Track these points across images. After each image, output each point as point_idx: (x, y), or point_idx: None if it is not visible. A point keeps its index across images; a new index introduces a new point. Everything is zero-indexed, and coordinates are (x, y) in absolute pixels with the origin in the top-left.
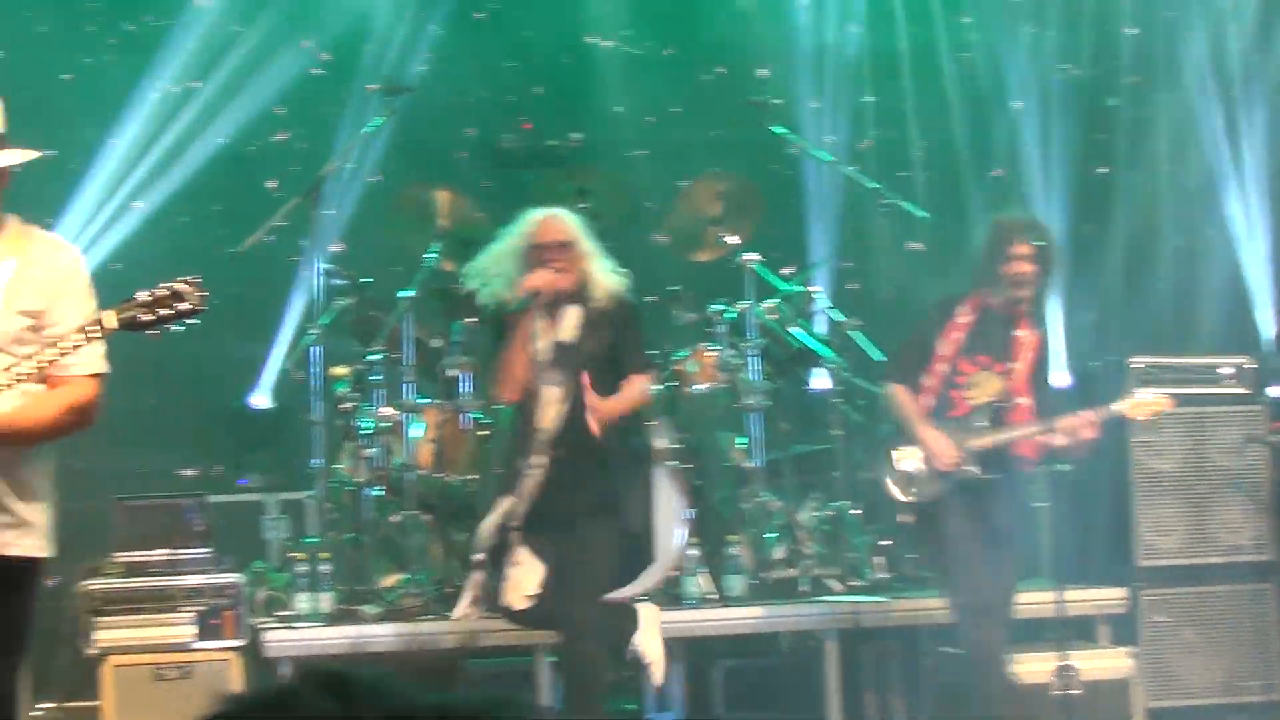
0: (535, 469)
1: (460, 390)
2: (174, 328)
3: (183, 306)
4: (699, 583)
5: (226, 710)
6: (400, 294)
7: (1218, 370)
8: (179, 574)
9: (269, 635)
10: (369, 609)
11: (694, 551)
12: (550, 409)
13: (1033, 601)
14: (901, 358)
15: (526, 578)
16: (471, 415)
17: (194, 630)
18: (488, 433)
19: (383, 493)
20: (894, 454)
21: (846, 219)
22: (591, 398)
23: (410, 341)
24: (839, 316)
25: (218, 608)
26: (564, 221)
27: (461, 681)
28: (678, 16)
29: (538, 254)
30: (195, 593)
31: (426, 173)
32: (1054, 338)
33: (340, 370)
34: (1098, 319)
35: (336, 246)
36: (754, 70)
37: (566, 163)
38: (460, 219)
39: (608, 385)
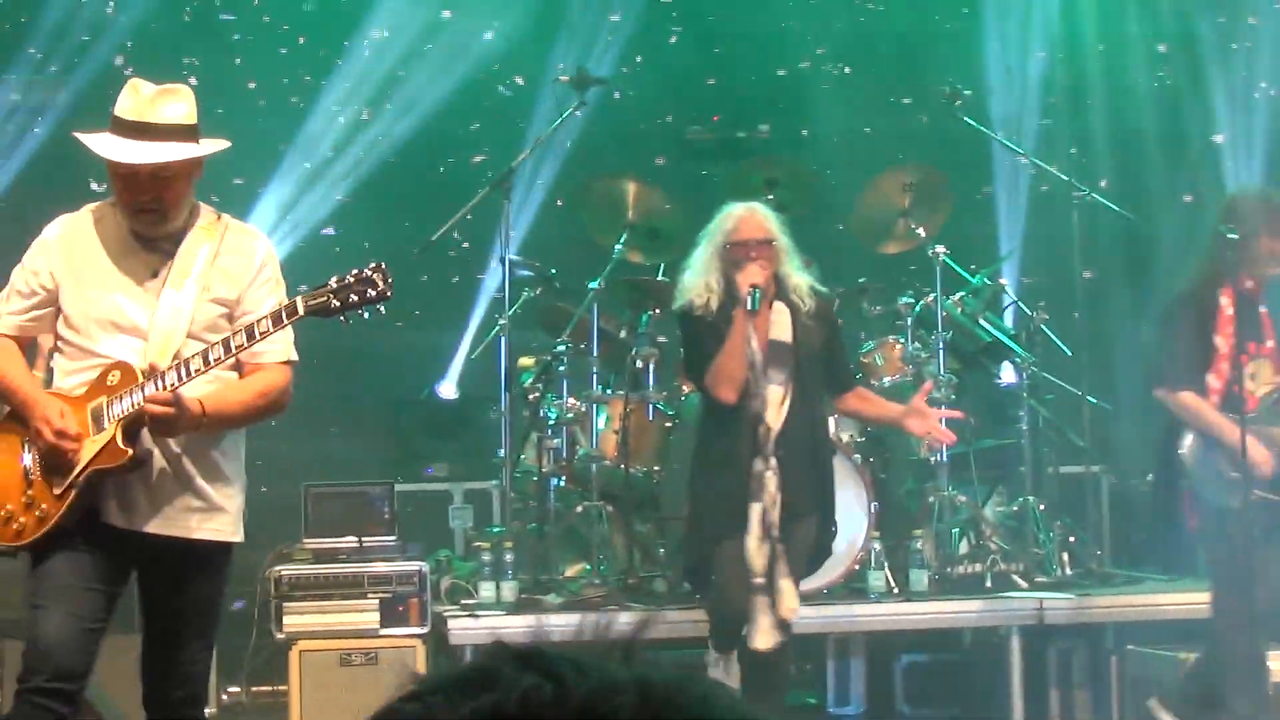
0: (770, 471)
1: (645, 381)
2: (364, 314)
3: (372, 293)
4: (883, 577)
5: (420, 690)
6: (588, 285)
7: None
8: (366, 561)
9: (453, 623)
10: (551, 599)
11: (877, 545)
12: (774, 409)
13: None
14: (1181, 359)
15: (791, 592)
16: (657, 406)
17: (379, 617)
18: (672, 424)
19: (566, 483)
20: (1214, 457)
21: (1037, 211)
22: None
23: (596, 332)
24: (1027, 310)
25: (403, 595)
26: (764, 216)
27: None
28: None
29: (742, 250)
30: (381, 580)
31: (615, 164)
32: None
33: (527, 361)
34: None
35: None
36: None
37: (754, 154)
38: (648, 210)
39: (821, 384)
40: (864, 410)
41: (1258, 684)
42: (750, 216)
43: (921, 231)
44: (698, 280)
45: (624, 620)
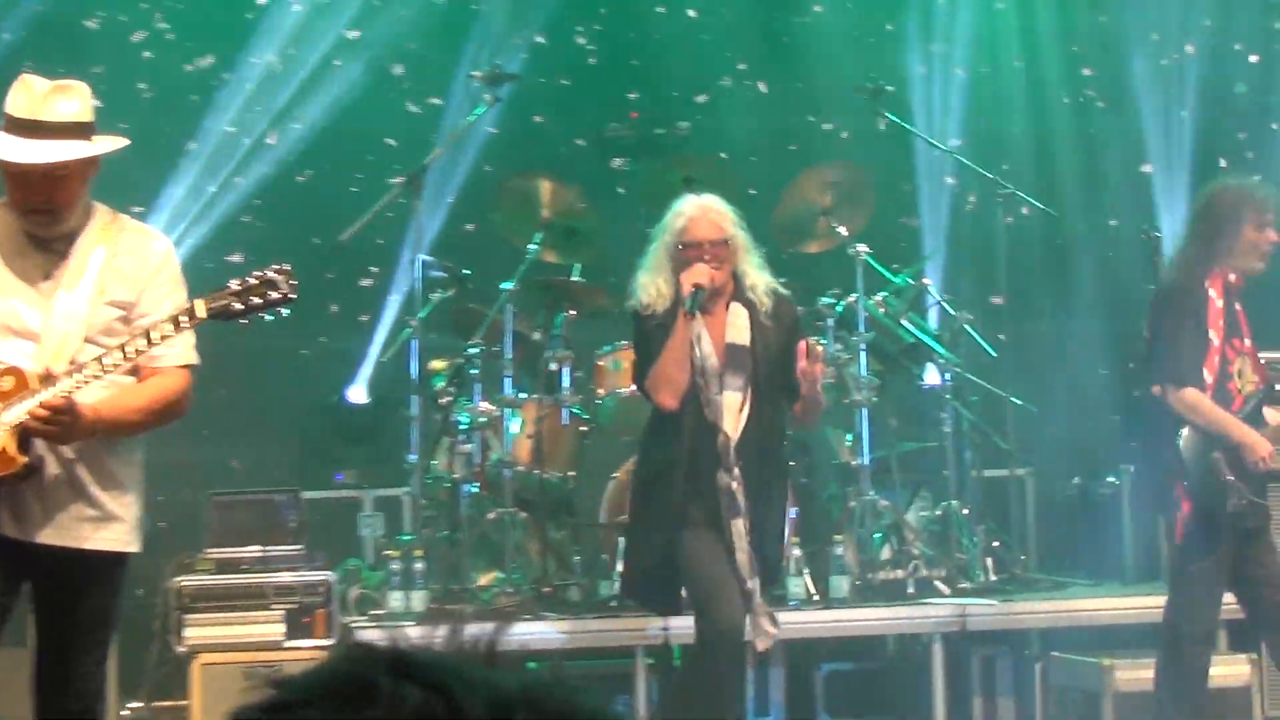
0: (735, 483)
1: (560, 384)
2: (266, 317)
3: (275, 295)
4: (803, 584)
5: (288, 699)
6: (501, 286)
7: None
8: (271, 571)
9: (361, 635)
10: (463, 608)
11: (797, 551)
12: (731, 417)
13: (1146, 606)
14: (1184, 356)
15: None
16: (571, 410)
17: (285, 629)
18: (588, 429)
19: (479, 489)
20: (1215, 461)
21: (961, 210)
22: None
23: (510, 334)
24: (951, 310)
25: (309, 606)
26: (717, 214)
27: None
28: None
29: (694, 252)
30: (287, 590)
31: (530, 162)
32: None
33: (438, 364)
34: None
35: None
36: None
37: (673, 152)
38: (563, 209)
39: (781, 390)
40: (809, 420)
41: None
42: (702, 216)
43: (843, 230)
44: (648, 281)
45: (477, 628)
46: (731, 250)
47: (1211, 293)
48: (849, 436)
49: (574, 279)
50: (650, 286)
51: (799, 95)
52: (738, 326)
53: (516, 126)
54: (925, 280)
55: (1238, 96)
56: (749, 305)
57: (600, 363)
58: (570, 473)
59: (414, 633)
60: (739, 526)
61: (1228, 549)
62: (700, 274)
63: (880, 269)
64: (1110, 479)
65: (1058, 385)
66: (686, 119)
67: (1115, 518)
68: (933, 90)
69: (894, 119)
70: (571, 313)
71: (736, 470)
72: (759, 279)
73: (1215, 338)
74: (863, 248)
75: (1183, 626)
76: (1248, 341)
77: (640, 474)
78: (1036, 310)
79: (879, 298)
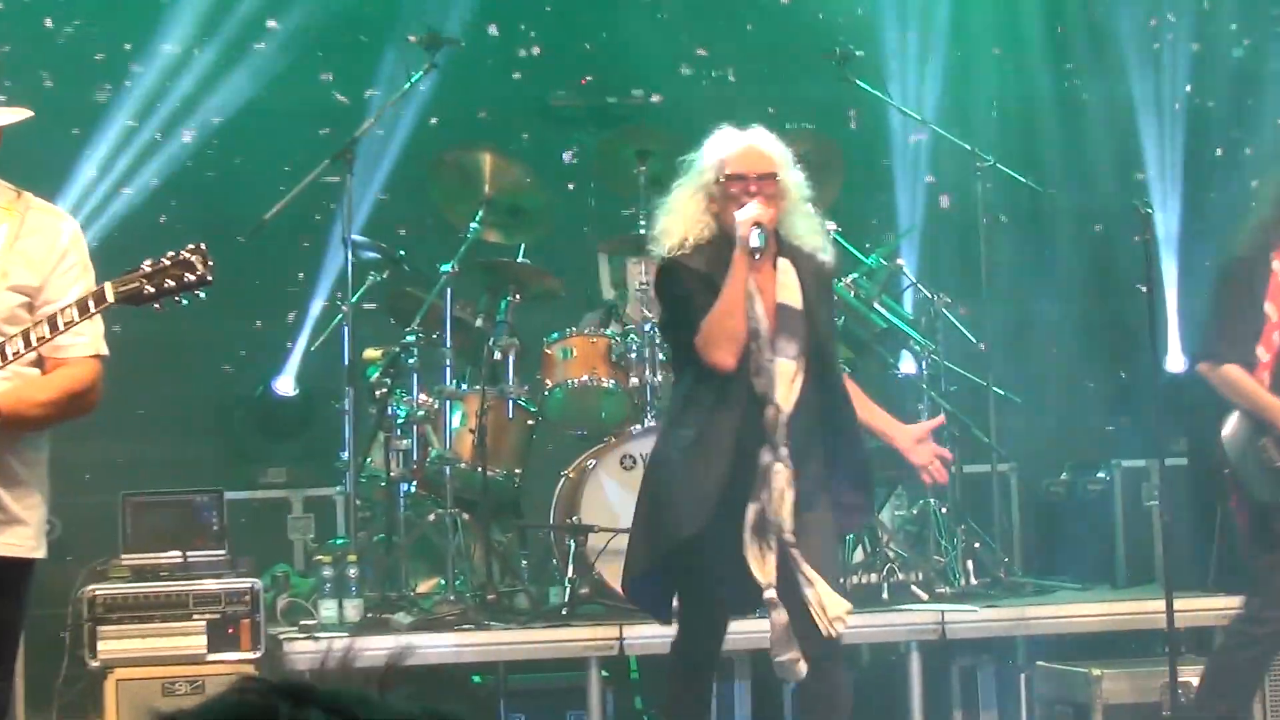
0: (780, 463)
1: (505, 374)
2: (182, 301)
3: (190, 278)
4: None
5: None
6: (440, 268)
7: None
8: (192, 578)
9: (290, 646)
10: (401, 617)
11: None
12: (785, 387)
13: (1138, 611)
14: (1228, 331)
15: (829, 595)
16: (517, 402)
17: (207, 641)
18: (535, 422)
19: (418, 489)
20: (1262, 447)
21: (938, 184)
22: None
23: (450, 321)
24: (928, 293)
25: (234, 616)
26: (767, 146)
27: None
28: None
29: (739, 185)
30: (209, 599)
31: (471, 134)
32: (1172, 317)
33: (373, 353)
34: None
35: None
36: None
37: (627, 122)
38: (507, 185)
39: (838, 359)
40: (866, 418)
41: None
42: (749, 147)
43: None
44: (682, 223)
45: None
46: (782, 190)
47: (1276, 264)
48: None
49: (519, 260)
50: (681, 229)
51: (765, 63)
52: (788, 285)
53: (457, 95)
54: (899, 261)
55: (1232, 67)
56: (798, 260)
57: (548, 351)
58: (516, 470)
59: (342, 645)
60: (752, 513)
61: None
62: (754, 211)
63: (850, 249)
64: (1100, 474)
65: (1043, 374)
66: (643, 87)
67: (1106, 516)
68: (908, 60)
69: (864, 86)
70: (516, 297)
71: (784, 449)
72: (809, 230)
73: (1274, 312)
74: (831, 225)
75: (1245, 629)
76: None
77: (665, 451)
78: (1021, 293)
79: (849, 280)
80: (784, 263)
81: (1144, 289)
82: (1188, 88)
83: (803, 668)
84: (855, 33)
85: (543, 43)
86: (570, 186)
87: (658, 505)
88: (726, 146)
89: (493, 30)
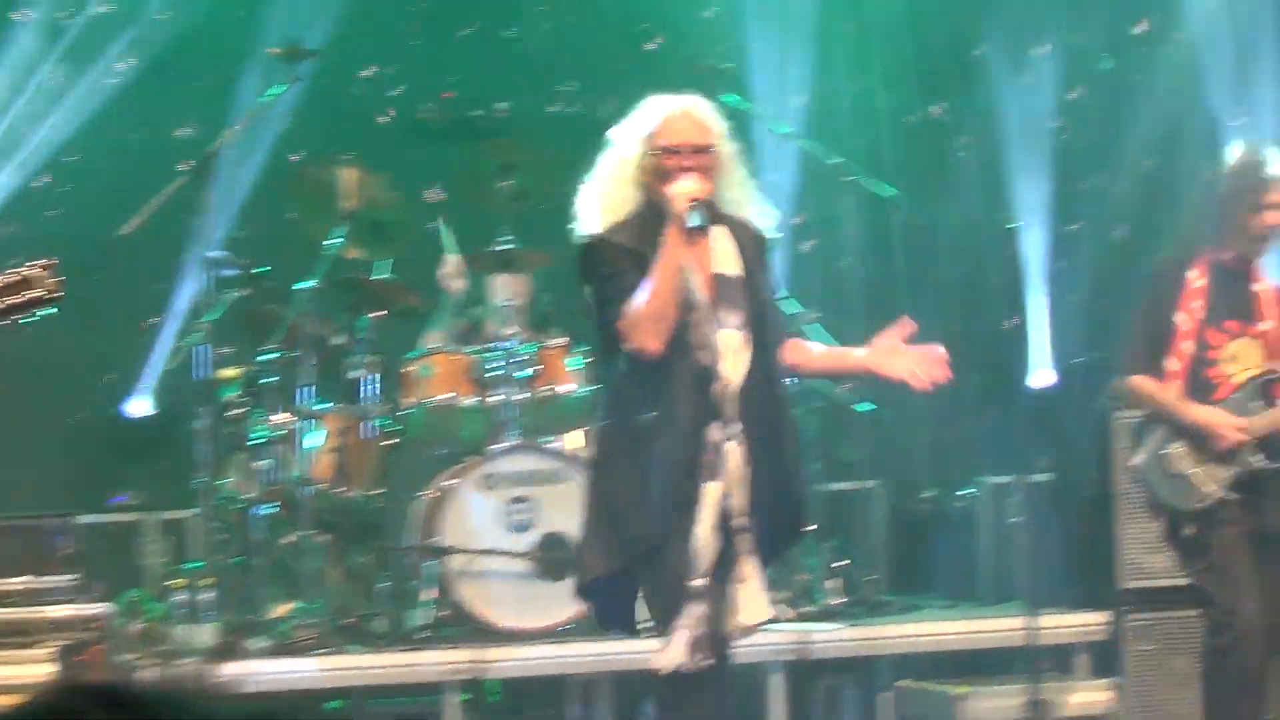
0: (732, 440)
1: (365, 394)
2: (22, 320)
3: (34, 294)
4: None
5: None
6: (299, 285)
7: None
8: (40, 604)
9: (143, 672)
10: (256, 642)
11: None
12: (731, 360)
13: (1004, 629)
14: (1136, 343)
15: (754, 599)
16: (377, 422)
17: (57, 668)
18: (395, 442)
19: (276, 510)
20: (1167, 455)
21: (804, 198)
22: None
23: (309, 339)
24: (795, 308)
25: (84, 643)
26: (700, 114)
27: None
28: None
29: (672, 159)
30: (58, 625)
31: (332, 147)
32: (1039, 332)
33: (229, 372)
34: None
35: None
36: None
37: (491, 136)
38: (369, 200)
39: (779, 329)
40: (804, 365)
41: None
42: (682, 115)
43: None
44: (607, 197)
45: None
46: (717, 161)
47: (1192, 274)
48: None
49: (380, 277)
50: (608, 204)
51: (632, 73)
52: (725, 254)
53: (318, 109)
54: None
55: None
56: (734, 228)
57: (409, 369)
58: (375, 491)
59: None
60: (712, 492)
61: (1235, 554)
62: (691, 187)
63: None
64: (967, 491)
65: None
66: (508, 100)
67: (971, 533)
68: (773, 72)
69: (731, 101)
70: (377, 314)
71: (736, 425)
72: (745, 194)
73: (1187, 320)
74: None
75: (1217, 641)
76: (1266, 325)
77: (607, 445)
78: (887, 308)
79: None
80: (719, 230)
81: (1011, 309)
82: (1072, 92)
83: (671, 655)
84: (724, 47)
85: (407, 56)
86: (433, 200)
87: (613, 505)
88: (658, 115)
89: (355, 43)
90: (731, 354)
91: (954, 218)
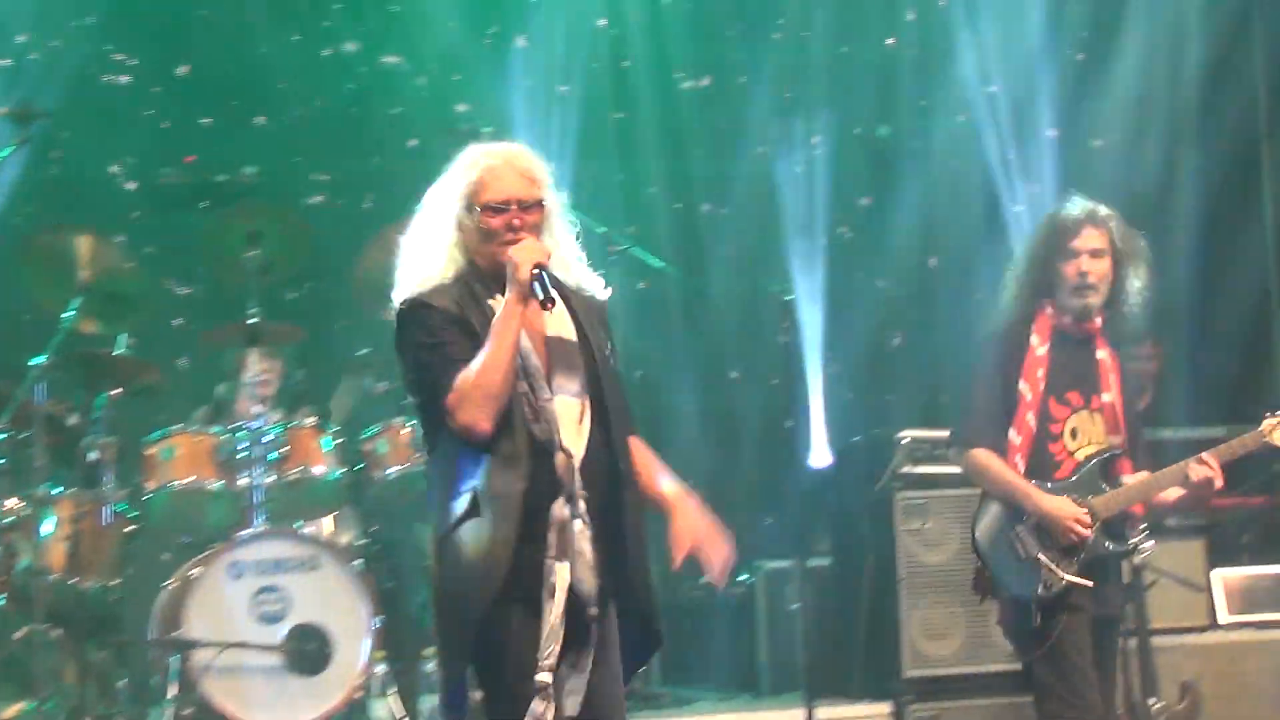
0: (580, 519)
1: (102, 477)
2: None
3: None
4: (389, 706)
5: None
6: (31, 361)
7: None
8: None
9: None
10: None
11: (383, 668)
12: (572, 430)
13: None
14: (977, 413)
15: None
16: (115, 507)
17: None
18: (135, 528)
19: (5, 603)
20: (1012, 538)
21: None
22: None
23: (42, 418)
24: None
25: None
26: (528, 164)
27: None
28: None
29: (499, 218)
30: None
31: (65, 214)
32: (817, 411)
33: None
34: (866, 388)
35: None
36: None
37: (237, 202)
38: (106, 269)
39: (623, 398)
40: (647, 483)
41: None
42: (505, 166)
43: None
44: (426, 259)
45: None
46: (546, 216)
47: (1034, 339)
48: None
49: (119, 352)
50: (435, 265)
51: (388, 131)
52: (557, 316)
53: (51, 172)
54: None
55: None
56: (562, 289)
57: (149, 451)
58: (113, 581)
59: None
60: (562, 574)
61: (1077, 640)
62: (534, 250)
63: None
64: (743, 576)
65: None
66: (256, 164)
67: (748, 621)
68: (541, 135)
69: None
70: (115, 392)
71: (581, 503)
72: (571, 256)
73: (1029, 390)
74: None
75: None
76: (1107, 397)
77: (440, 534)
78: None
79: None
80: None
81: (787, 388)
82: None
83: None
84: (480, 108)
85: (148, 117)
86: (174, 271)
87: (447, 594)
88: (476, 168)
89: (93, 103)
90: (572, 424)
91: (727, 289)
